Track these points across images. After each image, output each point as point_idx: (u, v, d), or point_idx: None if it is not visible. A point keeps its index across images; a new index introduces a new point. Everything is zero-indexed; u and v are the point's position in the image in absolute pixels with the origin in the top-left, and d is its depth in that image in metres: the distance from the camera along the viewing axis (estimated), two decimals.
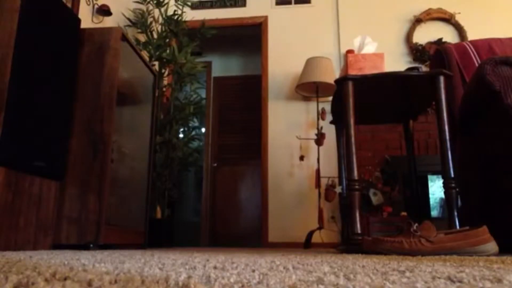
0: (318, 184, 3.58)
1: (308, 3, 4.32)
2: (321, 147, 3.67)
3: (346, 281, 0.42)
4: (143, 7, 3.76)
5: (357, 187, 1.71)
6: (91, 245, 1.91)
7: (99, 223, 1.94)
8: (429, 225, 1.28)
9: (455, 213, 1.63)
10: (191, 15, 4.42)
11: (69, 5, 2.63)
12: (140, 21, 3.58)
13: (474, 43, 2.24)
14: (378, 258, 0.97)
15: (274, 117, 4.12)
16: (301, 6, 4.33)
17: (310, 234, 3.35)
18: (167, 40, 3.67)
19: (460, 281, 0.42)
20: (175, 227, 3.58)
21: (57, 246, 1.92)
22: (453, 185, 1.66)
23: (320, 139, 3.62)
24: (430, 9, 4.09)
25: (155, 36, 3.67)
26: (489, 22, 3.92)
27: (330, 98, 3.92)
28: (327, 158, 3.81)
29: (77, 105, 2.09)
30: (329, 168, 3.80)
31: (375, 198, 3.34)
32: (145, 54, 3.53)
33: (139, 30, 3.63)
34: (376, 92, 1.96)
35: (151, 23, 3.67)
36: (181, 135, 3.78)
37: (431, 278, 0.45)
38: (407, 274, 0.49)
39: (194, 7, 4.42)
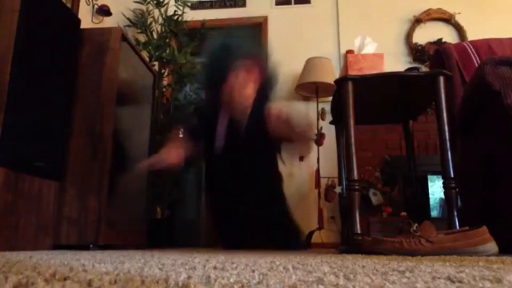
0: (318, 184, 3.57)
1: (308, 3, 4.32)
2: (321, 147, 3.67)
3: (346, 281, 0.42)
4: (143, 7, 3.76)
5: (357, 187, 1.71)
6: (91, 246, 1.91)
7: (99, 223, 1.94)
8: (429, 225, 1.27)
9: (455, 213, 1.63)
10: (191, 15, 4.41)
11: (69, 5, 2.63)
12: (140, 21, 3.58)
13: (474, 43, 2.24)
14: (378, 258, 0.97)
15: None
16: (301, 6, 4.32)
17: (310, 234, 3.34)
18: (167, 40, 3.67)
19: (460, 281, 0.42)
20: (175, 227, 3.58)
21: (57, 246, 1.92)
22: (453, 185, 1.66)
23: (320, 139, 3.62)
24: (430, 9, 4.09)
25: (155, 36, 3.67)
26: (489, 22, 3.92)
27: (330, 98, 3.91)
28: (327, 158, 3.80)
29: (77, 105, 2.09)
30: (329, 168, 3.80)
31: (375, 198, 3.33)
32: (145, 54, 3.53)
33: (139, 30, 3.63)
34: (376, 92, 1.96)
35: (151, 23, 3.67)
36: (181, 135, 3.77)
37: (431, 278, 0.45)
38: (407, 274, 0.49)
39: (194, 7, 4.42)
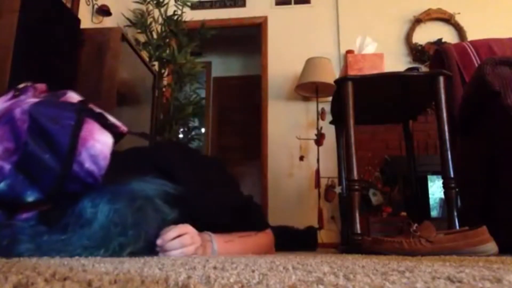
0: (317, 184, 3.57)
1: (308, 3, 4.32)
2: (321, 147, 3.67)
3: (346, 281, 0.42)
4: (143, 7, 3.76)
5: (356, 187, 1.71)
6: None
7: None
8: (429, 225, 1.27)
9: (455, 213, 1.63)
10: (191, 15, 4.41)
11: (69, 5, 2.63)
12: (140, 21, 3.57)
13: (474, 43, 2.24)
14: (378, 258, 0.97)
15: (274, 117, 4.12)
16: (301, 7, 4.32)
17: None
18: (167, 40, 3.67)
19: (460, 281, 0.42)
20: None
21: None
22: (453, 185, 1.66)
23: (319, 139, 3.62)
24: (430, 9, 4.09)
25: (155, 36, 3.67)
26: (489, 22, 3.91)
27: (330, 98, 3.91)
28: (327, 158, 3.80)
29: None
30: (329, 168, 3.80)
31: (375, 198, 3.33)
32: (144, 54, 3.53)
33: (139, 30, 3.63)
34: (375, 92, 1.96)
35: (151, 23, 3.66)
36: (181, 136, 3.78)
37: (431, 278, 0.45)
38: (407, 274, 0.49)
39: (194, 7, 4.42)
